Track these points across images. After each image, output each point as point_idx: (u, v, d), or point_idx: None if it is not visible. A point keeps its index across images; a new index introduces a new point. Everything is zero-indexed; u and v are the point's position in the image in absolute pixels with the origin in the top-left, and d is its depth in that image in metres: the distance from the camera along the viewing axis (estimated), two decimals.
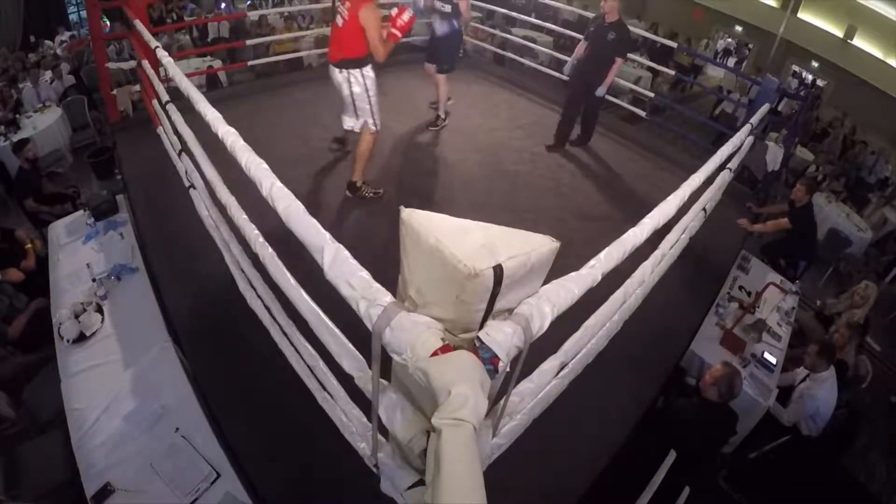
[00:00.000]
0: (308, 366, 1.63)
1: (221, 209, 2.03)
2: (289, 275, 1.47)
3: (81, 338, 2.41)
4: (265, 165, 1.38)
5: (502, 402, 1.26)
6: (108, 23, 7.23)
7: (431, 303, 1.02)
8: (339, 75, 3.04)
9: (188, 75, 2.25)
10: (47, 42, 7.94)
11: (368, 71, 3.03)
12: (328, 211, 3.21)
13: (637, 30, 5.28)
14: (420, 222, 1.01)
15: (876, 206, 6.55)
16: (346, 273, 1.02)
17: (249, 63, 5.41)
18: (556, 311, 1.06)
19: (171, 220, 2.97)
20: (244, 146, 1.50)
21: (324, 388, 1.58)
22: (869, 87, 8.78)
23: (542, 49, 6.26)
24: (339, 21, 2.93)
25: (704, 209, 2.56)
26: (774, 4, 9.89)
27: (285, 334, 1.78)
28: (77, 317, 2.45)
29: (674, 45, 5.57)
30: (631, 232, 1.52)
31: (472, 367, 0.86)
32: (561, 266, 1.17)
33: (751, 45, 11.14)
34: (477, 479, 0.75)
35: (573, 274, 1.21)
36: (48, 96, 6.06)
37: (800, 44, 9.63)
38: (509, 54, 6.40)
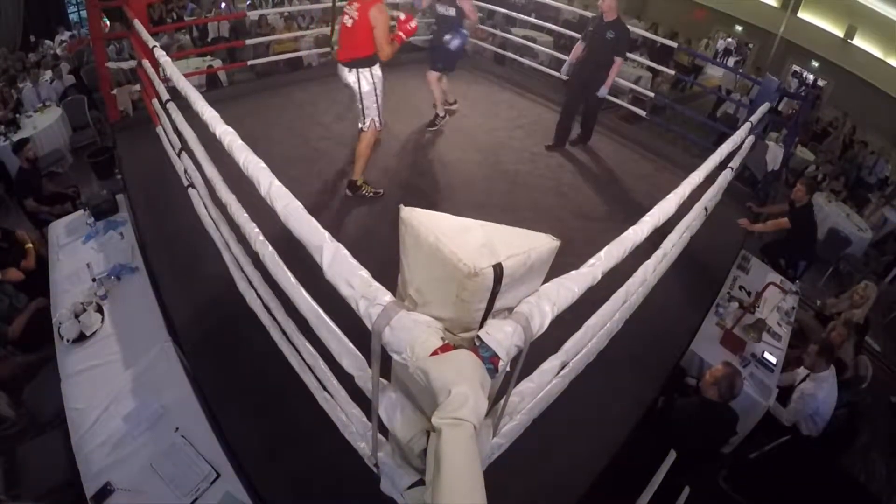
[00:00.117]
0: (308, 365, 1.63)
1: (221, 208, 2.03)
2: (289, 274, 1.47)
3: (81, 338, 2.41)
4: (263, 164, 1.38)
5: (502, 401, 1.26)
6: (107, 23, 7.22)
7: (431, 302, 1.02)
8: (348, 74, 3.09)
9: (188, 75, 2.26)
10: (47, 42, 7.93)
11: (377, 70, 3.09)
12: (328, 210, 3.21)
13: (637, 30, 5.29)
14: (420, 221, 1.01)
15: (876, 206, 6.55)
16: (346, 272, 1.02)
17: (249, 63, 5.41)
18: (557, 310, 1.06)
19: (171, 219, 2.97)
20: (242, 145, 1.49)
21: (324, 387, 1.57)
22: (869, 86, 8.78)
23: (543, 49, 6.26)
24: (349, 21, 2.97)
25: (706, 208, 2.56)
26: (774, 4, 9.89)
27: (285, 334, 1.77)
28: (77, 317, 2.45)
29: (674, 45, 5.57)
30: (631, 230, 1.52)
31: (472, 367, 0.86)
32: (561, 265, 1.16)
33: (751, 45, 11.14)
34: (477, 479, 0.74)
35: (573, 273, 1.21)
36: (48, 96, 6.06)
37: (800, 44, 9.63)
38: (509, 54, 6.40)
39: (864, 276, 4.96)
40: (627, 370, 2.37)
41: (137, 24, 3.18)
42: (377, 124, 3.22)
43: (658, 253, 1.84)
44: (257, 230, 1.70)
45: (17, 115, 5.44)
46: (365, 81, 3.06)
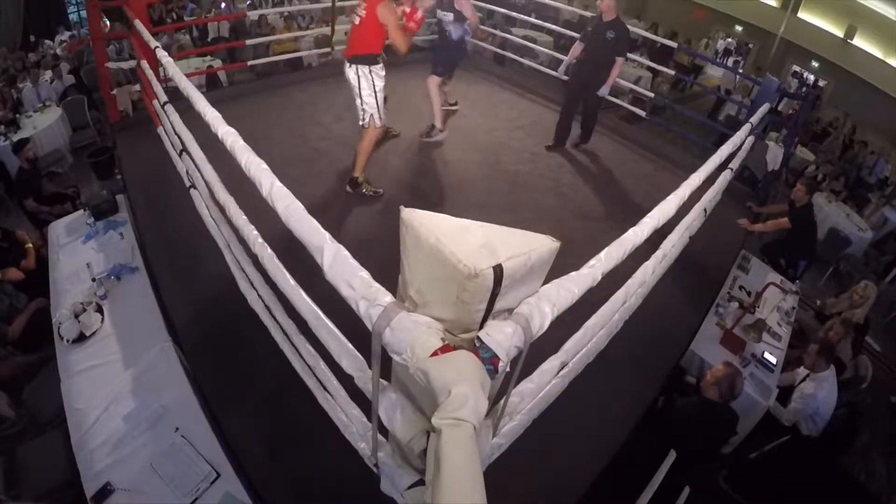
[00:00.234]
0: (308, 366, 1.63)
1: (221, 209, 2.03)
2: (288, 275, 1.47)
3: (81, 338, 2.41)
4: (265, 165, 1.38)
5: (502, 402, 1.26)
6: (107, 23, 7.22)
7: (431, 303, 1.02)
8: (349, 70, 3.14)
9: (188, 75, 2.26)
10: (47, 42, 7.93)
11: (378, 69, 3.13)
12: (328, 211, 3.21)
13: (637, 30, 5.29)
14: (420, 222, 1.01)
15: (876, 206, 6.55)
16: (346, 273, 1.02)
17: (249, 63, 5.41)
18: (557, 311, 1.06)
19: (171, 220, 2.97)
20: (244, 146, 1.50)
21: (324, 387, 1.58)
22: (869, 87, 8.78)
23: (543, 49, 6.26)
24: (356, 20, 3.06)
25: (705, 209, 2.56)
26: (774, 4, 9.89)
27: (285, 334, 1.77)
28: (77, 317, 2.45)
29: (674, 45, 5.57)
30: (631, 231, 1.52)
31: (472, 367, 0.86)
32: (561, 266, 1.16)
33: (751, 45, 11.14)
34: (477, 479, 0.75)
35: (573, 273, 1.21)
36: (48, 96, 6.06)
37: (800, 43, 9.63)
38: (509, 54, 6.40)
39: (864, 276, 4.96)
40: (627, 370, 2.37)
41: (138, 24, 3.18)
42: (377, 122, 3.24)
43: (657, 254, 1.84)
44: (256, 232, 1.70)
45: (17, 115, 5.44)
46: (364, 78, 3.10)
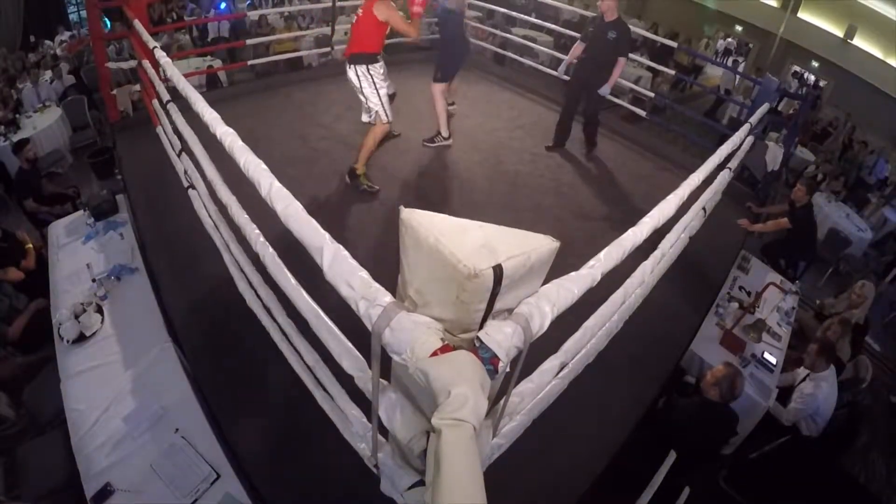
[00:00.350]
0: (308, 366, 1.63)
1: (221, 209, 2.03)
2: (289, 274, 1.47)
3: (81, 338, 2.41)
4: (264, 166, 1.38)
5: (502, 402, 1.26)
6: (107, 23, 7.23)
7: (431, 303, 1.02)
8: (350, 71, 3.18)
9: (188, 75, 2.26)
10: (47, 42, 7.93)
11: (377, 67, 3.15)
12: (328, 211, 3.21)
13: (637, 29, 5.28)
14: (420, 222, 1.01)
15: (876, 206, 6.55)
16: (346, 273, 1.02)
17: (249, 63, 5.41)
18: (556, 311, 1.06)
19: (171, 220, 2.97)
20: (243, 146, 1.49)
21: (324, 388, 1.57)
22: (869, 87, 8.78)
23: (543, 49, 6.26)
24: (355, 19, 3.11)
25: (704, 209, 2.56)
26: (774, 4, 9.88)
27: (285, 334, 1.77)
28: (77, 317, 2.45)
29: (674, 44, 5.57)
30: (631, 231, 1.52)
31: (471, 368, 0.86)
32: (561, 266, 1.17)
33: (751, 45, 11.14)
34: (477, 479, 0.75)
35: (573, 274, 1.21)
36: (48, 96, 6.06)
37: (800, 43, 9.62)
38: (510, 54, 6.40)
39: (864, 276, 4.96)
40: (627, 371, 2.37)
41: (137, 24, 3.18)
42: (384, 118, 3.27)
43: (656, 254, 1.84)
44: (257, 231, 1.70)
45: (17, 115, 5.45)
46: (363, 77, 3.14)
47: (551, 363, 1.43)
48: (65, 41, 7.89)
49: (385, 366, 1.10)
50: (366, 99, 3.23)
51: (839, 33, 9.05)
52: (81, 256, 2.92)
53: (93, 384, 2.23)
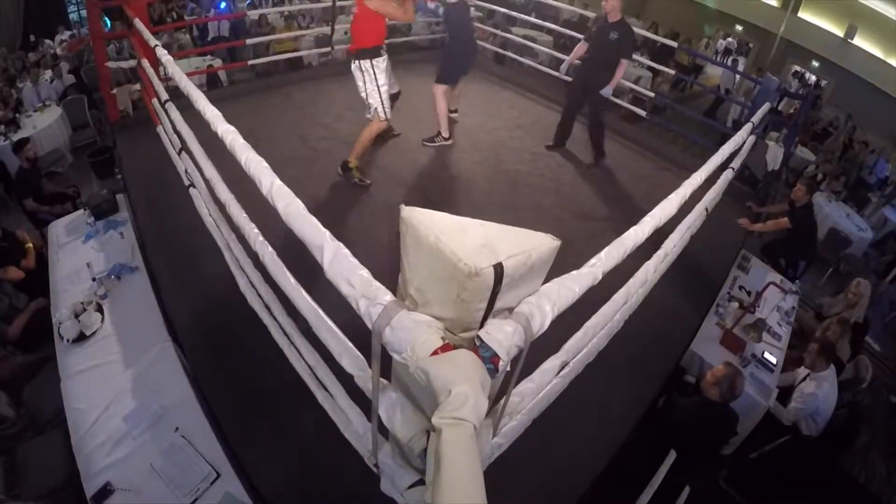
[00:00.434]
0: (308, 365, 1.63)
1: (221, 208, 2.03)
2: (289, 274, 1.47)
3: (81, 337, 2.41)
4: (265, 164, 1.38)
5: (502, 401, 1.26)
6: (108, 22, 7.22)
7: (432, 301, 1.02)
8: (352, 65, 3.22)
9: (188, 74, 2.25)
10: (47, 41, 7.93)
11: (379, 62, 3.19)
12: (328, 210, 3.20)
13: (637, 29, 5.28)
14: (420, 221, 1.01)
15: (876, 206, 6.54)
16: (346, 271, 1.02)
17: (249, 62, 5.41)
18: (557, 310, 1.06)
19: (171, 219, 2.97)
20: (244, 144, 1.49)
21: (324, 387, 1.57)
22: (869, 86, 8.78)
23: (543, 49, 6.26)
24: (351, 17, 3.16)
25: (706, 209, 2.56)
26: (774, 4, 9.88)
27: (285, 333, 1.77)
28: (77, 316, 2.45)
29: (674, 44, 5.56)
30: (632, 231, 1.52)
31: (472, 367, 0.86)
32: (562, 265, 1.17)
33: (751, 45, 11.14)
34: (477, 479, 0.74)
35: (574, 273, 1.20)
36: (48, 96, 6.06)
37: (800, 43, 9.62)
38: (510, 54, 6.40)
39: (864, 276, 4.97)
40: (627, 370, 2.37)
41: (138, 23, 3.18)
42: (381, 115, 3.30)
43: (659, 253, 1.84)
44: (257, 231, 1.70)
45: (17, 115, 5.45)
46: (366, 71, 3.18)
47: (552, 362, 1.43)
48: (65, 41, 7.89)
49: (385, 365, 1.09)
50: (366, 95, 3.27)
51: (839, 33, 9.04)
52: (81, 256, 2.92)
53: (93, 383, 2.23)
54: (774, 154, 4.38)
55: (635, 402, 2.32)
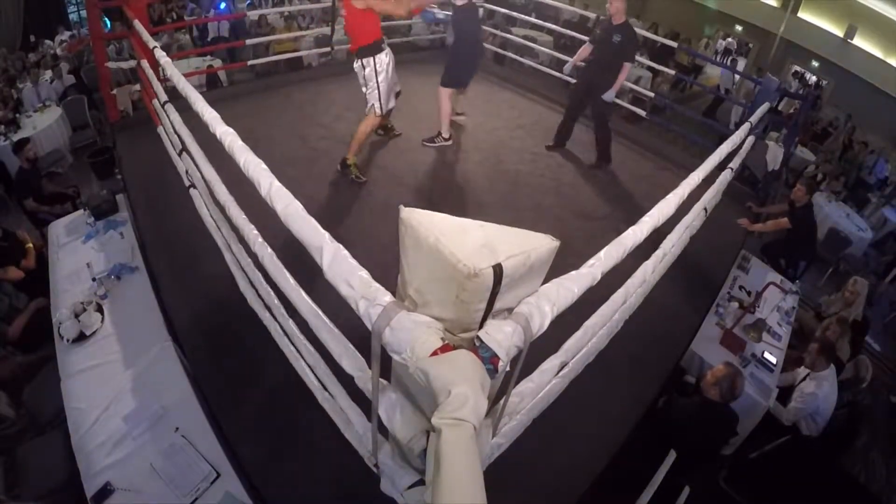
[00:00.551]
0: (308, 365, 1.63)
1: (221, 209, 2.03)
2: (288, 275, 1.47)
3: (81, 337, 2.41)
4: (264, 165, 1.38)
5: (502, 401, 1.26)
6: (107, 23, 7.23)
7: (431, 302, 1.02)
8: (355, 64, 3.28)
9: (188, 75, 2.26)
10: (47, 42, 7.93)
11: (382, 56, 3.25)
12: (327, 210, 3.21)
13: (637, 30, 5.28)
14: (420, 221, 1.01)
15: (876, 206, 6.54)
16: (346, 272, 1.02)
17: (249, 62, 5.41)
18: (556, 311, 1.06)
19: (171, 219, 2.97)
20: (242, 146, 1.49)
21: (324, 387, 1.58)
22: (869, 86, 8.78)
23: (543, 49, 6.26)
24: (342, 20, 3.20)
25: (705, 209, 2.56)
26: (774, 4, 9.88)
27: (285, 334, 1.77)
28: (77, 316, 2.45)
29: (674, 44, 5.56)
30: (631, 231, 1.52)
31: (472, 367, 0.86)
32: (561, 265, 1.16)
33: (751, 45, 11.14)
34: (477, 479, 0.75)
35: (573, 273, 1.21)
36: (48, 96, 6.06)
37: (800, 43, 9.62)
38: (509, 54, 6.40)
39: (864, 277, 4.96)
40: (627, 370, 2.37)
41: (137, 24, 3.18)
42: (377, 110, 3.34)
43: (658, 253, 1.84)
44: (256, 232, 1.70)
45: (17, 115, 5.45)
46: (368, 67, 3.23)
47: (551, 363, 1.43)
48: (65, 41, 7.89)
49: (385, 365, 1.10)
50: (366, 88, 3.31)
51: (839, 33, 9.04)
52: (81, 256, 2.93)
53: (93, 383, 2.23)
54: (774, 154, 4.38)
55: (635, 402, 2.32)
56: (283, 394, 2.02)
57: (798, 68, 10.43)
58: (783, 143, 4.56)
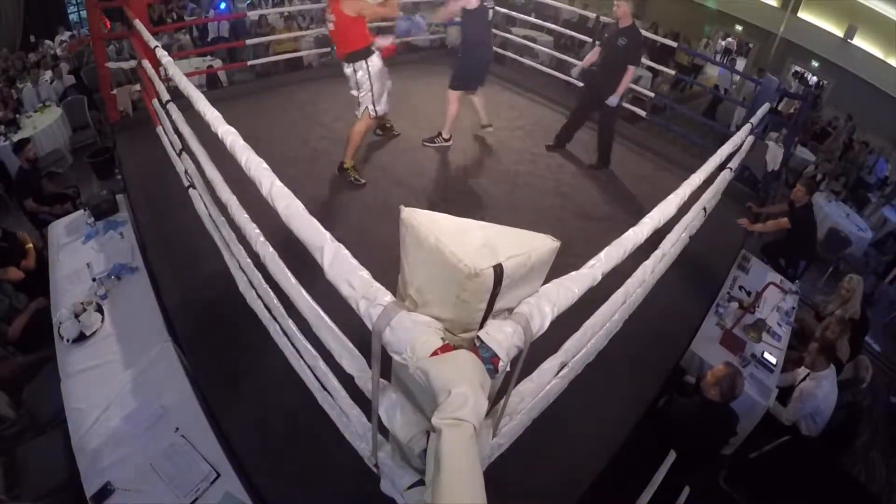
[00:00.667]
0: (308, 365, 1.63)
1: (221, 208, 2.03)
2: (289, 274, 1.47)
3: (81, 337, 2.41)
4: (265, 164, 1.38)
5: (502, 401, 1.26)
6: (108, 23, 7.22)
7: (431, 302, 1.02)
8: (346, 69, 3.26)
9: (188, 75, 2.26)
10: (47, 42, 7.93)
11: (374, 59, 3.24)
12: (328, 210, 3.21)
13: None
14: (420, 222, 1.01)
15: (876, 206, 6.54)
16: (347, 272, 1.02)
17: (249, 63, 5.41)
18: (557, 311, 1.06)
19: (171, 219, 2.98)
20: (244, 145, 1.50)
21: (324, 387, 1.58)
22: (869, 86, 8.78)
23: (543, 49, 6.26)
24: (330, 25, 3.15)
25: (704, 209, 2.56)
26: (774, 4, 9.88)
27: (285, 334, 1.77)
28: (77, 316, 2.45)
29: (674, 44, 5.56)
30: (631, 231, 1.52)
31: (472, 367, 0.86)
32: (561, 265, 1.17)
33: (751, 45, 11.15)
34: (477, 479, 0.75)
35: (573, 273, 1.21)
36: (48, 96, 6.06)
37: (800, 43, 9.62)
38: (509, 54, 6.40)
39: (863, 277, 4.96)
40: (627, 370, 2.37)
41: (138, 24, 3.18)
42: (371, 113, 3.35)
43: (657, 253, 1.84)
44: (258, 231, 1.70)
45: (17, 115, 5.44)
46: (360, 70, 3.23)
47: (552, 362, 1.43)
48: (65, 41, 7.88)
49: (385, 365, 1.10)
50: (358, 92, 3.30)
51: (839, 33, 9.04)
52: (81, 256, 2.93)
53: (93, 383, 2.23)
54: (774, 154, 4.38)
55: (635, 401, 2.32)
56: (283, 394, 2.02)
57: (798, 68, 10.43)
58: (783, 143, 4.57)
